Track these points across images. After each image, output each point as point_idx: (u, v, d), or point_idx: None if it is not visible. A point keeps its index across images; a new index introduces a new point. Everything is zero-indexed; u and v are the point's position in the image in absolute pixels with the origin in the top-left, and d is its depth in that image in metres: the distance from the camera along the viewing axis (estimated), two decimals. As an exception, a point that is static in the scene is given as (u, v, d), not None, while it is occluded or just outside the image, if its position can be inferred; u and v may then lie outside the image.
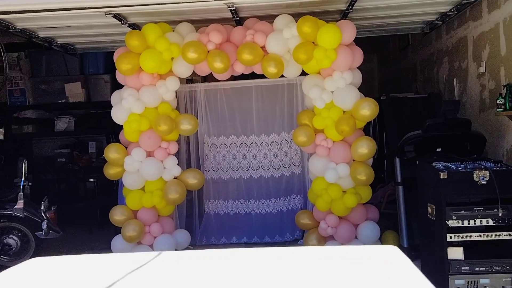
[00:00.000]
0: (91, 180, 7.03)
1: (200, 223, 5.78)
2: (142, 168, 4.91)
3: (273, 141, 5.71)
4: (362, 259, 2.40)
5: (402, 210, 4.93)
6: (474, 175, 3.50)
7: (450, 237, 3.57)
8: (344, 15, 5.35)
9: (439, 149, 4.74)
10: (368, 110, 4.64)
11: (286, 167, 5.70)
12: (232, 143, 5.74)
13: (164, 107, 4.97)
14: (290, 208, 5.71)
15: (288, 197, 5.72)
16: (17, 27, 5.19)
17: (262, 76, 5.13)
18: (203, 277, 2.19)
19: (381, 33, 6.53)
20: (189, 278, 2.20)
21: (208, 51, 4.75)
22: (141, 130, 4.87)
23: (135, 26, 5.41)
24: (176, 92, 5.23)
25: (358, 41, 4.96)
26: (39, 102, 7.71)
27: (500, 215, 3.47)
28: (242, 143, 5.74)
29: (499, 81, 5.13)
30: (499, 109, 4.80)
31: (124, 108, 4.84)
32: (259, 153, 5.73)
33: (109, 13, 4.75)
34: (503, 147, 5.14)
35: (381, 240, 5.21)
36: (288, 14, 4.93)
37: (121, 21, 5.12)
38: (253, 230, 5.72)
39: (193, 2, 4.32)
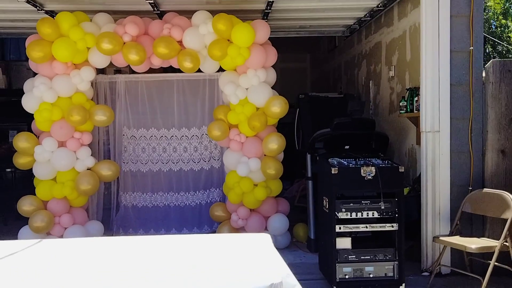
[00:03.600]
0: (8, 170, 6.78)
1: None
2: (53, 158, 4.84)
3: (193, 135, 5.77)
4: (235, 244, 2.57)
5: (310, 203, 5.17)
6: (362, 170, 3.76)
7: (340, 228, 3.83)
8: (264, 15, 5.52)
9: (347, 147, 5.01)
10: (278, 107, 4.84)
11: (206, 161, 5.79)
12: (152, 136, 5.74)
13: (79, 97, 4.92)
14: (209, 201, 5.81)
15: (207, 190, 5.82)
16: None
17: (185, 70, 5.17)
18: (78, 265, 2.26)
19: (305, 34, 6.77)
20: (62, 266, 2.25)
21: (124, 43, 4.75)
22: (52, 120, 4.80)
23: (53, 14, 5.30)
24: (95, 83, 5.19)
25: (289, 41, 5.07)
26: (-45, 87, 7.36)
27: (382, 207, 3.76)
28: (162, 136, 5.75)
29: (404, 85, 5.50)
30: (402, 111, 5.16)
31: (35, 96, 4.75)
32: (179, 146, 5.78)
33: (21, -1, 4.65)
34: (405, 146, 5.53)
35: (293, 232, 5.46)
36: (208, 10, 5.01)
37: (36, 8, 5.01)
38: (171, 222, 5.77)
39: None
